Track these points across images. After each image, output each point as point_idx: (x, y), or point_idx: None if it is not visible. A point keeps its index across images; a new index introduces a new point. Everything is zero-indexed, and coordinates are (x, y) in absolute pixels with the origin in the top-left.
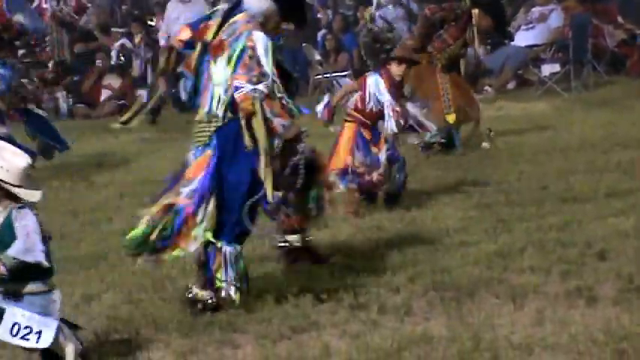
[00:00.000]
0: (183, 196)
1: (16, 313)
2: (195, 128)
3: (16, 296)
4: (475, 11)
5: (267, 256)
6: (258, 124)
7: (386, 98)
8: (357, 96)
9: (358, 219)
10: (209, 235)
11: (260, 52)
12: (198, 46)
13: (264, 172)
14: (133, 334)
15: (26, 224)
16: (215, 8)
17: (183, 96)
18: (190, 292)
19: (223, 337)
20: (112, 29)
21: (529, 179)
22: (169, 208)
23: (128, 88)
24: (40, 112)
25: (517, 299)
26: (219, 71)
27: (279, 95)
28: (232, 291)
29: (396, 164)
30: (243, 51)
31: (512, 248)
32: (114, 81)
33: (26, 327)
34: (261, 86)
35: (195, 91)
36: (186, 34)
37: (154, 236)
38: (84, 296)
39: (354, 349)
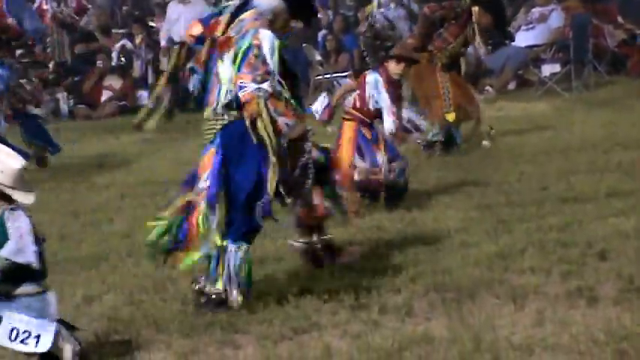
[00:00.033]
0: (194, 194)
1: (14, 317)
2: (204, 125)
3: (8, 297)
4: (475, 9)
5: (267, 256)
6: (262, 123)
7: (384, 97)
8: (355, 94)
9: (358, 219)
10: (217, 238)
11: (266, 50)
12: (207, 42)
13: (270, 171)
14: (134, 335)
15: (19, 226)
16: (226, 4)
17: (194, 91)
18: (198, 284)
19: (224, 338)
20: (113, 30)
21: (530, 180)
22: (185, 207)
23: (129, 89)
24: (37, 111)
25: (518, 300)
26: (225, 69)
27: (284, 94)
28: (234, 293)
29: (396, 163)
30: (248, 49)
31: (512, 249)
32: (115, 82)
33: (25, 331)
34: (265, 85)
35: (203, 88)
36: (197, 30)
37: (166, 237)
38: (85, 297)
39: (355, 349)
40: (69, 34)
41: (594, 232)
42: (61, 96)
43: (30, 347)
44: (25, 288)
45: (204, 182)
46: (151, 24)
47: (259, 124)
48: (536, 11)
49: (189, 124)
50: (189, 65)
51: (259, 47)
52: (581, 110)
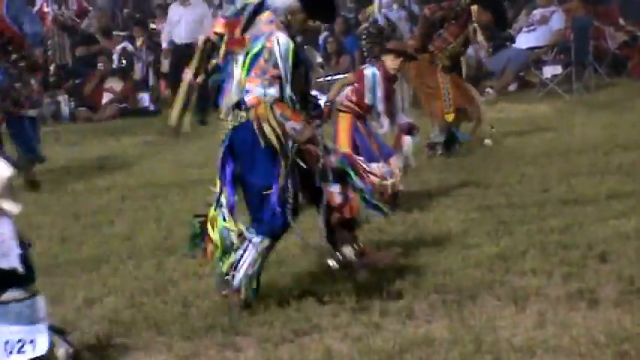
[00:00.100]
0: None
1: (3, 331)
2: (219, 125)
3: None
4: (474, 8)
5: (268, 259)
6: (269, 127)
7: (380, 93)
8: (352, 87)
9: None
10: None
11: (277, 54)
12: (224, 40)
13: (281, 174)
14: (135, 338)
15: (1, 232)
16: (248, 2)
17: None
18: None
19: (225, 341)
20: (114, 32)
21: (531, 181)
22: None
23: (130, 91)
24: (32, 112)
25: (519, 302)
26: (236, 70)
27: (292, 99)
28: (242, 287)
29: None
30: (259, 52)
31: (513, 250)
32: (115, 84)
33: (19, 341)
34: (272, 90)
35: (219, 87)
36: (220, 27)
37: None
38: (86, 300)
39: (355, 351)
40: (70, 37)
41: (595, 233)
42: (62, 98)
43: (28, 354)
44: (12, 294)
45: (223, 197)
46: (152, 26)
47: (266, 128)
48: (537, 13)
49: (190, 127)
50: (214, 62)
51: (271, 51)
52: (582, 112)
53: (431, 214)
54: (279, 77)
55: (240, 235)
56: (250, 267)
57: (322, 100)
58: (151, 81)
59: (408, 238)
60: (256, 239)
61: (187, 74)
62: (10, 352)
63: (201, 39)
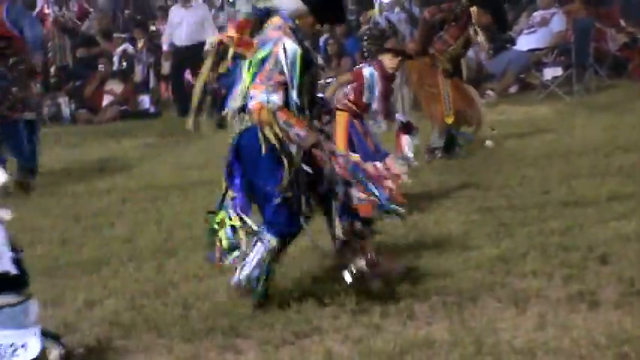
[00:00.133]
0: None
1: None
2: (229, 127)
3: None
4: (473, 9)
5: None
6: (270, 133)
7: (378, 93)
8: (351, 87)
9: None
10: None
11: (283, 61)
12: (234, 40)
13: (284, 179)
14: (136, 340)
15: None
16: (261, 5)
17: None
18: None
19: (226, 343)
20: (114, 34)
21: (531, 183)
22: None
23: (130, 93)
24: (30, 115)
25: (519, 303)
26: (243, 74)
27: (297, 106)
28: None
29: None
30: (266, 58)
31: (514, 252)
32: (116, 86)
33: (11, 345)
34: (275, 96)
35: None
36: (232, 30)
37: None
38: (86, 302)
39: (356, 353)
40: (70, 39)
41: (595, 235)
42: (63, 100)
43: (21, 357)
44: (6, 298)
45: (228, 198)
46: (153, 28)
47: (267, 132)
48: (537, 15)
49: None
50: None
51: (277, 57)
52: (583, 114)
53: (431, 215)
54: (284, 84)
55: (249, 232)
56: (258, 266)
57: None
58: (152, 83)
59: (409, 239)
60: (266, 238)
61: (200, 77)
62: (3, 357)
63: (214, 41)
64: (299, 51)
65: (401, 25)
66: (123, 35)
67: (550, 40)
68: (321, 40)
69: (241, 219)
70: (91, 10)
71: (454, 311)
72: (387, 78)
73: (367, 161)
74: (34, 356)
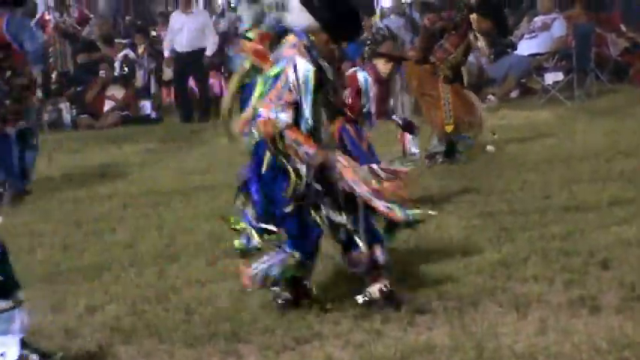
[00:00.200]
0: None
1: None
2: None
3: None
4: (473, 16)
5: None
6: (277, 150)
7: (372, 96)
8: (346, 91)
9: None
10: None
11: (294, 81)
12: (252, 50)
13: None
14: (137, 346)
15: None
16: (273, 15)
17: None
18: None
19: (227, 348)
20: (115, 40)
21: (532, 188)
22: None
23: (131, 98)
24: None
25: (520, 308)
26: (255, 90)
27: (308, 124)
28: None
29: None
30: (277, 76)
31: (515, 257)
32: (117, 92)
33: None
34: (284, 115)
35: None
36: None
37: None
38: (87, 307)
39: (357, 359)
40: (71, 44)
41: (597, 240)
42: (64, 106)
43: None
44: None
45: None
46: (153, 33)
47: (270, 146)
48: (538, 20)
49: (192, 134)
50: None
51: (287, 77)
52: (584, 119)
53: (432, 220)
54: (295, 103)
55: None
56: (272, 268)
57: None
58: (153, 88)
59: (410, 244)
60: (287, 250)
61: (231, 85)
62: None
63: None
64: (311, 70)
65: (400, 31)
66: (124, 41)
67: (551, 45)
68: None
69: (256, 229)
70: (92, 15)
71: (455, 316)
72: (381, 82)
73: (363, 164)
74: None
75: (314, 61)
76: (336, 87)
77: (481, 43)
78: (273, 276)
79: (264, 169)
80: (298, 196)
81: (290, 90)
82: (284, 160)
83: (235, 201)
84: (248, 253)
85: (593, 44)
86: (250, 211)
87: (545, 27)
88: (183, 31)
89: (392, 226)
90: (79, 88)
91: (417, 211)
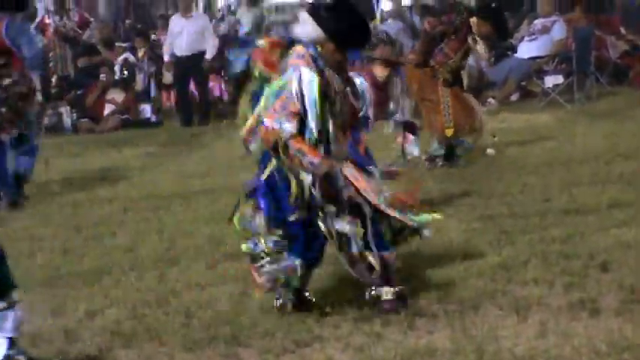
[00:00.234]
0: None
1: None
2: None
3: None
4: (473, 20)
5: None
6: (283, 161)
7: (369, 100)
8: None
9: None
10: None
11: (298, 91)
12: (262, 58)
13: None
14: (137, 350)
15: None
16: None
17: None
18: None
19: (227, 352)
20: (116, 44)
21: (532, 191)
22: None
23: (131, 102)
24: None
25: (520, 311)
26: (264, 97)
27: (313, 133)
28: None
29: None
30: (283, 87)
31: (515, 260)
32: (117, 95)
33: None
34: (288, 125)
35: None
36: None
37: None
38: (87, 311)
39: None
40: (72, 48)
41: (596, 243)
42: (64, 110)
43: None
44: None
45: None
46: (153, 37)
47: (273, 153)
48: (538, 23)
49: (192, 138)
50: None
51: (292, 86)
52: (584, 121)
53: (432, 223)
54: (299, 113)
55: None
56: (277, 271)
57: None
58: (153, 92)
59: (410, 247)
60: (292, 258)
61: (246, 92)
62: None
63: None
64: (316, 80)
65: (399, 35)
66: (124, 44)
67: (551, 47)
68: None
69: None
70: (92, 19)
71: (455, 319)
72: (379, 87)
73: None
74: None
75: (320, 71)
76: (346, 96)
77: (480, 47)
78: (282, 279)
79: (263, 177)
80: (302, 206)
81: (295, 100)
82: (287, 170)
83: (242, 209)
84: (257, 257)
85: (593, 47)
86: (258, 220)
87: (545, 30)
88: (183, 35)
89: (399, 237)
90: (79, 92)
91: (426, 217)
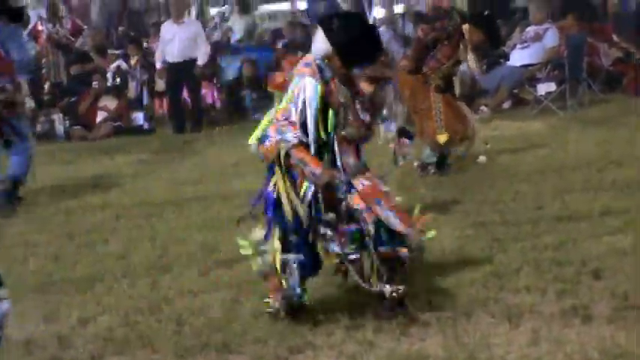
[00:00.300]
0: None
1: None
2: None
3: None
4: (465, 27)
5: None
6: (279, 176)
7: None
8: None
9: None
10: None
11: (300, 100)
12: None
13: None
14: (129, 357)
15: None
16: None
17: None
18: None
19: (219, 359)
20: (108, 51)
21: (525, 198)
22: None
23: (124, 109)
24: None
25: (513, 319)
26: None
27: (313, 142)
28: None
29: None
30: (290, 97)
31: (507, 268)
32: (110, 102)
33: None
34: (289, 135)
35: None
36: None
37: None
38: (80, 318)
39: None
40: (64, 55)
41: (589, 250)
42: (57, 117)
43: None
44: None
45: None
46: (146, 45)
47: (277, 173)
48: (531, 30)
49: (185, 145)
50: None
51: (296, 95)
52: (576, 129)
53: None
54: (302, 122)
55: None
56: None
57: None
58: (145, 99)
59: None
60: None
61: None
62: None
63: None
64: (318, 89)
65: (390, 43)
66: (117, 52)
67: (543, 55)
68: None
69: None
70: (85, 26)
71: (447, 326)
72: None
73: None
74: None
75: (325, 82)
76: (355, 110)
77: (470, 59)
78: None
79: (270, 187)
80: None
81: (297, 109)
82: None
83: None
84: (269, 275)
85: (586, 54)
86: (270, 238)
87: (538, 37)
88: (175, 41)
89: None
90: (71, 99)
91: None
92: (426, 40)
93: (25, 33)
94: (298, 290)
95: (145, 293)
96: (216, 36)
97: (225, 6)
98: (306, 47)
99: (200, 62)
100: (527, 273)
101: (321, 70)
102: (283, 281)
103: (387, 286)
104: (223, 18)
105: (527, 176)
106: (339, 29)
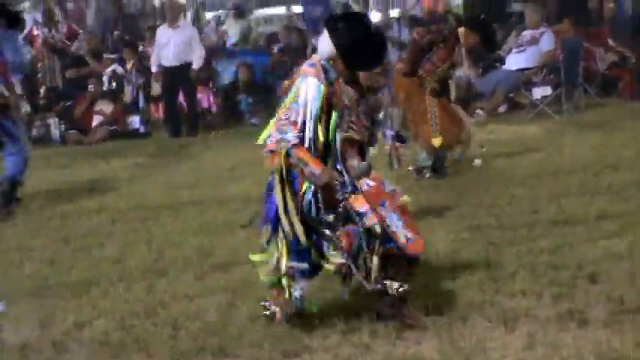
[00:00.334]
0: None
1: None
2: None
3: None
4: (461, 30)
5: (255, 280)
6: (278, 188)
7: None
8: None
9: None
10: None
11: (302, 100)
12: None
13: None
14: None
15: None
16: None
17: None
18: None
19: None
20: (104, 55)
21: (520, 202)
22: None
23: (120, 113)
24: None
25: (509, 323)
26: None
27: (311, 141)
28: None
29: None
30: (293, 97)
31: (503, 271)
32: (105, 107)
33: None
34: (290, 135)
35: None
36: None
37: None
38: (76, 323)
39: None
40: (60, 59)
41: (585, 254)
42: (52, 121)
43: None
44: None
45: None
46: (141, 49)
47: (277, 177)
48: (527, 34)
49: (180, 149)
50: None
51: (298, 94)
52: (572, 133)
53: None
54: (303, 122)
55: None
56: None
57: None
58: (141, 103)
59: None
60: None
61: None
62: None
63: None
64: (320, 89)
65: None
66: (112, 56)
67: (539, 59)
68: None
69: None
70: (81, 31)
71: (443, 330)
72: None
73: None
74: None
75: (330, 83)
76: (358, 112)
77: (465, 64)
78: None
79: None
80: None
81: (298, 109)
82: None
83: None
84: (278, 284)
85: (582, 58)
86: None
87: (534, 41)
88: (170, 45)
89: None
90: (67, 104)
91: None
92: (422, 43)
93: (20, 37)
94: (301, 303)
95: (140, 297)
96: (212, 39)
97: (221, 10)
98: (301, 51)
99: (195, 66)
100: (523, 277)
101: (325, 70)
102: (286, 290)
103: (392, 283)
104: (219, 22)
105: (523, 180)
106: (344, 31)
